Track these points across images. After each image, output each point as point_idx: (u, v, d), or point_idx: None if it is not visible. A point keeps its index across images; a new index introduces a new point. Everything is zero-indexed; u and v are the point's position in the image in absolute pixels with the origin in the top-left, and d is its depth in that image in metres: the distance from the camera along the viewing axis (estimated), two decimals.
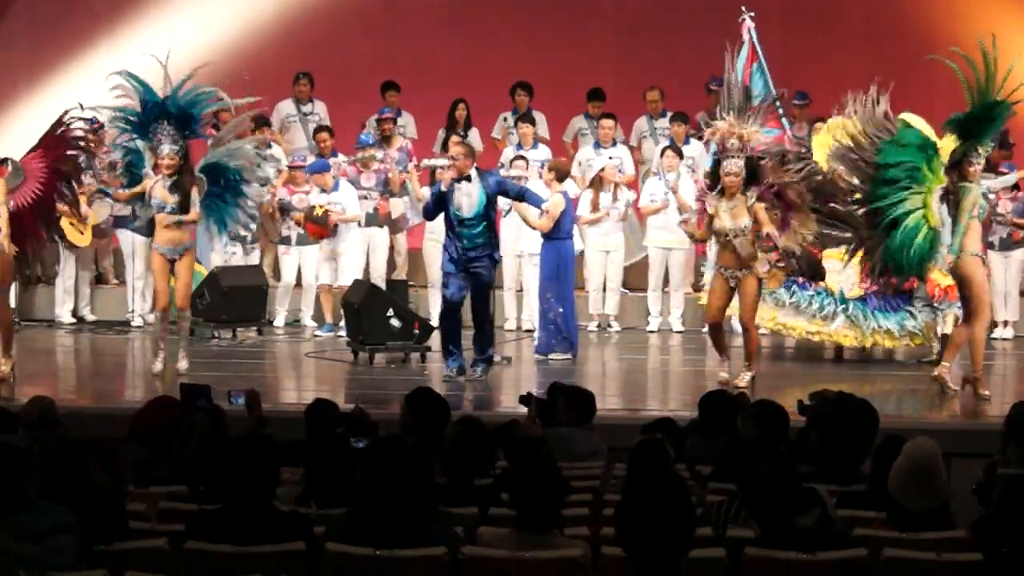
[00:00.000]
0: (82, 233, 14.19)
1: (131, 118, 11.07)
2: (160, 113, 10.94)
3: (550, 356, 12.22)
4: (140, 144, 11.16)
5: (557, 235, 12.22)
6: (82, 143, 11.08)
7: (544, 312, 12.38)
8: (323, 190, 13.82)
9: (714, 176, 10.86)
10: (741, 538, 5.22)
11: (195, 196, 10.98)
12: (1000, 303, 13.86)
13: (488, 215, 11.21)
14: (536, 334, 12.64)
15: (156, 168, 11.06)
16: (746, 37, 12.41)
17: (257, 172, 11.45)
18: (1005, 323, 14.05)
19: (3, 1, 16.48)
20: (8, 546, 4.80)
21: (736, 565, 5.08)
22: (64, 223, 13.81)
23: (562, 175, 12.60)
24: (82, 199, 14.13)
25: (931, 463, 5.62)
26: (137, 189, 11.28)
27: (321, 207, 13.58)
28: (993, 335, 13.79)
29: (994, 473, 6.20)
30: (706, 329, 11.77)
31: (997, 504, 5.13)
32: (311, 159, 14.61)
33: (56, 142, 10.97)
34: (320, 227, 13.64)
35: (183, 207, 10.98)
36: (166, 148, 10.94)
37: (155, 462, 6.50)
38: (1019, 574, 4.55)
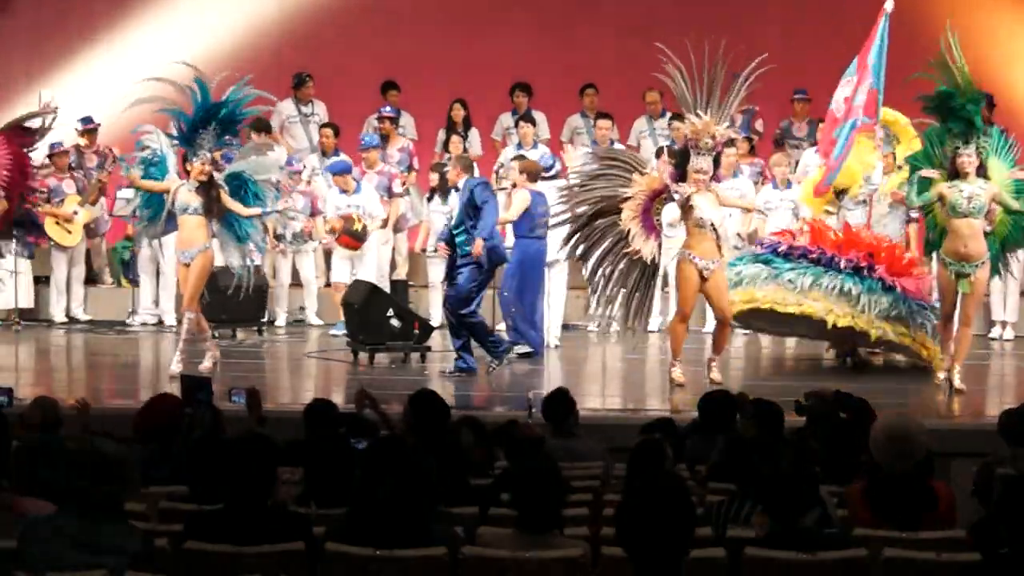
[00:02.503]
0: (69, 233, 14.19)
1: (181, 123, 11.00)
2: (210, 118, 10.90)
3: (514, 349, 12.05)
4: (165, 149, 11.12)
5: (524, 233, 12.14)
6: (37, 136, 11.08)
7: (505, 308, 12.27)
8: (343, 191, 13.76)
9: (680, 170, 10.75)
10: (741, 538, 5.22)
11: (227, 199, 10.97)
12: (999, 303, 13.85)
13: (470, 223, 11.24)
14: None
15: (185, 173, 11.10)
16: (880, 21, 11.89)
17: (275, 193, 11.33)
18: (1004, 324, 14.02)
19: (3, 1, 16.48)
20: (64, 552, 4.75)
21: (736, 565, 5.09)
22: (50, 223, 13.88)
23: (532, 175, 12.55)
24: (74, 201, 14.18)
25: (902, 428, 5.78)
26: (157, 185, 11.10)
27: (360, 220, 13.39)
28: (992, 335, 13.79)
29: (989, 473, 6.20)
30: (663, 326, 11.57)
31: (996, 504, 5.13)
32: (311, 159, 14.64)
33: (17, 131, 10.99)
34: (357, 242, 13.48)
35: (207, 209, 10.96)
36: (205, 154, 10.94)
37: (158, 461, 6.50)
38: (1019, 574, 4.55)
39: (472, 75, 15.62)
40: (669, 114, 14.77)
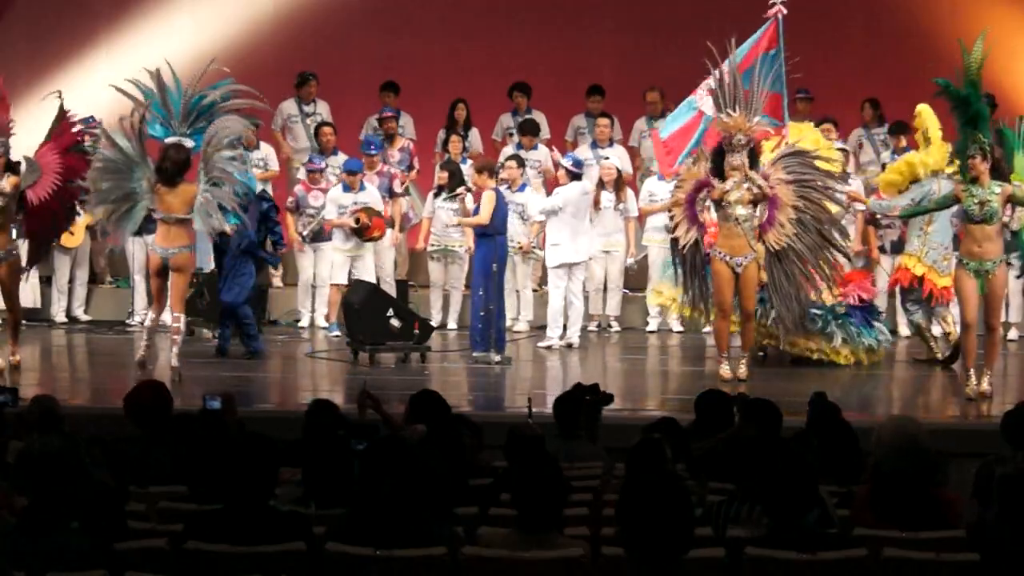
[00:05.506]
0: (72, 234, 14.18)
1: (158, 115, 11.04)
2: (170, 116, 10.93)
3: (479, 356, 11.96)
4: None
5: (489, 231, 12.04)
6: (85, 135, 11.19)
7: (475, 308, 12.14)
8: (348, 188, 13.70)
9: (717, 166, 11.00)
10: (741, 538, 5.22)
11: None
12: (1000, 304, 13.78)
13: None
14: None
15: None
16: (771, 23, 11.94)
17: (232, 137, 11.01)
18: (1008, 325, 13.95)
19: (3, 1, 16.48)
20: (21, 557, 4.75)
21: (736, 565, 5.08)
22: None
23: (492, 171, 12.52)
24: None
25: (906, 429, 5.73)
26: None
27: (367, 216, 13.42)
28: None
29: (989, 473, 6.19)
30: (709, 329, 11.74)
31: (996, 504, 5.13)
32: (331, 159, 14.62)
33: (64, 131, 11.10)
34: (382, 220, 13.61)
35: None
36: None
37: (149, 445, 6.52)
38: (1019, 574, 4.55)
39: (472, 75, 15.62)
40: (669, 114, 14.75)
